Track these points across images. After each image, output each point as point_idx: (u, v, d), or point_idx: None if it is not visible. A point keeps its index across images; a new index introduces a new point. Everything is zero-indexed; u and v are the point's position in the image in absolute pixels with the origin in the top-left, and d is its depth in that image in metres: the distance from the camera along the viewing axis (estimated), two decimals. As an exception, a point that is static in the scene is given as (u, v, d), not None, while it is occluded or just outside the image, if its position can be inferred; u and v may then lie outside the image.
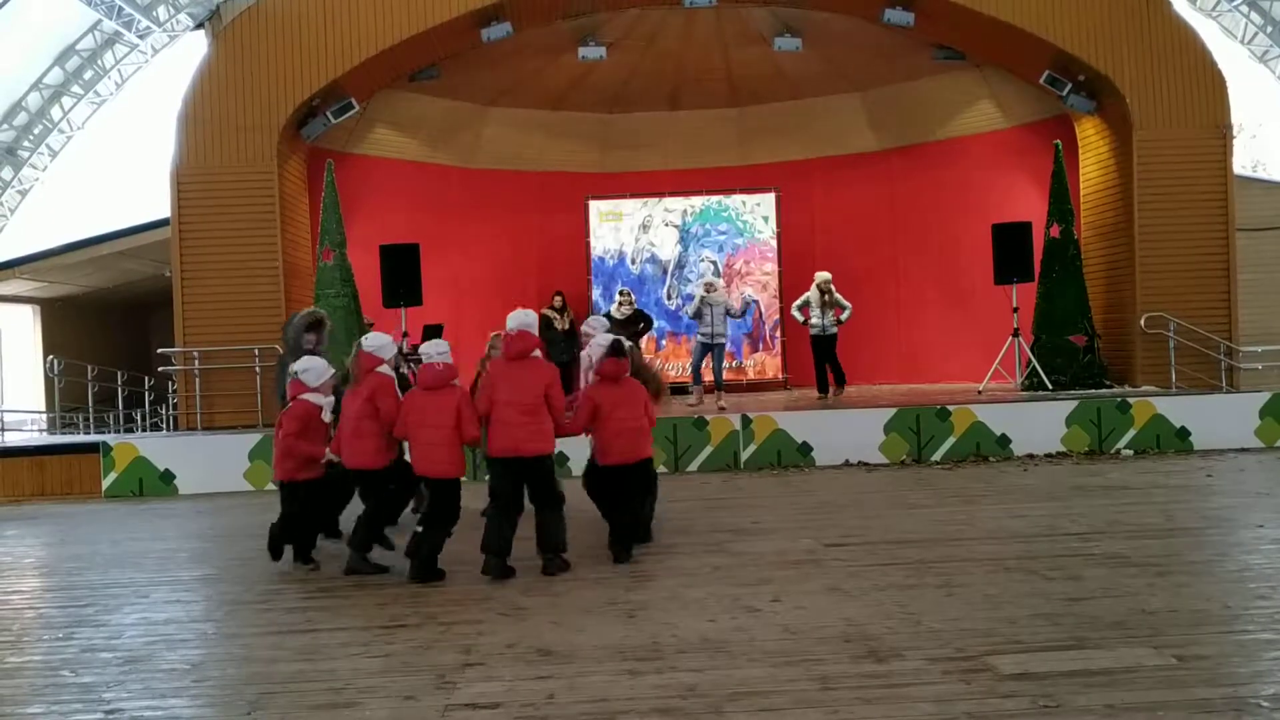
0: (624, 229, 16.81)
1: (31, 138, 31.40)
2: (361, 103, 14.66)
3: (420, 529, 6.35)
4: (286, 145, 14.11)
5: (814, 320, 13.54)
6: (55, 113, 31.01)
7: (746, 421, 11.49)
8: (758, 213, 16.79)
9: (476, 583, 6.21)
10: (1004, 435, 11.51)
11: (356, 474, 6.62)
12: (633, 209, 16.84)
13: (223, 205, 13.70)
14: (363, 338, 6.90)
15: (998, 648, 4.49)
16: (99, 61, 30.29)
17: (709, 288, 13.02)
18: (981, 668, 4.23)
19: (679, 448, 11.37)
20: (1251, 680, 4.03)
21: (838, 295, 13.59)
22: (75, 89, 30.60)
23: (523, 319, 6.58)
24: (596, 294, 16.44)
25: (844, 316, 13.62)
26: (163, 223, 15.34)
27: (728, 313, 12.90)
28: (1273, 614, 4.90)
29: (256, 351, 13.25)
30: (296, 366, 6.88)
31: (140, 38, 29.38)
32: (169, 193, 13.83)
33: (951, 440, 11.45)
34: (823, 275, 13.74)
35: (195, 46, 15.22)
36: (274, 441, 6.98)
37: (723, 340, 12.96)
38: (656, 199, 16.89)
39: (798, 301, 13.85)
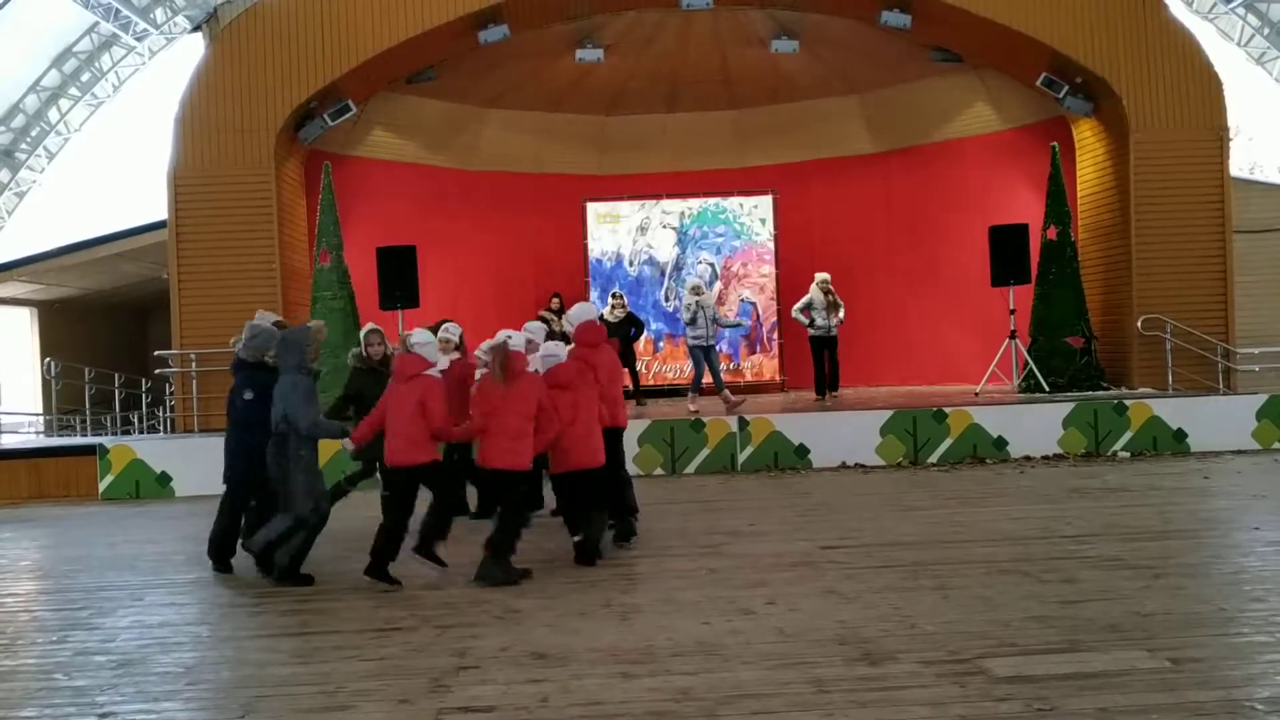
0: (621, 231, 16.81)
1: (29, 140, 31.39)
2: (359, 105, 14.65)
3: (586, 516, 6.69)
4: (284, 148, 14.10)
5: (819, 322, 13.52)
6: (53, 115, 31.01)
7: (744, 424, 11.48)
8: (755, 215, 16.79)
9: (470, 586, 6.20)
10: (1001, 437, 11.51)
11: (502, 474, 6.40)
12: (630, 211, 16.84)
13: (220, 207, 13.69)
14: (508, 336, 6.68)
15: (992, 650, 4.49)
16: (96, 64, 30.28)
17: (697, 290, 12.98)
18: (976, 670, 4.22)
19: (676, 450, 11.37)
20: (1246, 683, 4.02)
21: (837, 296, 13.61)
22: (73, 91, 30.59)
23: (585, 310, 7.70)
24: (594, 296, 16.42)
25: (841, 316, 13.64)
26: (160, 225, 15.33)
27: (714, 318, 12.88)
28: (1268, 616, 4.89)
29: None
30: (415, 339, 6.58)
31: (138, 40, 29.37)
32: (166, 195, 13.82)
33: (948, 442, 11.45)
34: (824, 275, 13.74)
35: (193, 49, 15.23)
36: (394, 421, 6.38)
37: (714, 341, 12.96)
38: (654, 201, 16.89)
39: (799, 304, 13.81)
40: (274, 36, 13.88)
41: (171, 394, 14.47)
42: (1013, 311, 13.67)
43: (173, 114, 13.87)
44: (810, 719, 3.77)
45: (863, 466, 11.30)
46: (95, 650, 5.14)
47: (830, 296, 13.52)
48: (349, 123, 14.91)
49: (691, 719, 3.83)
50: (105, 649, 5.16)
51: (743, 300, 16.70)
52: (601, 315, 13.80)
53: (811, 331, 13.63)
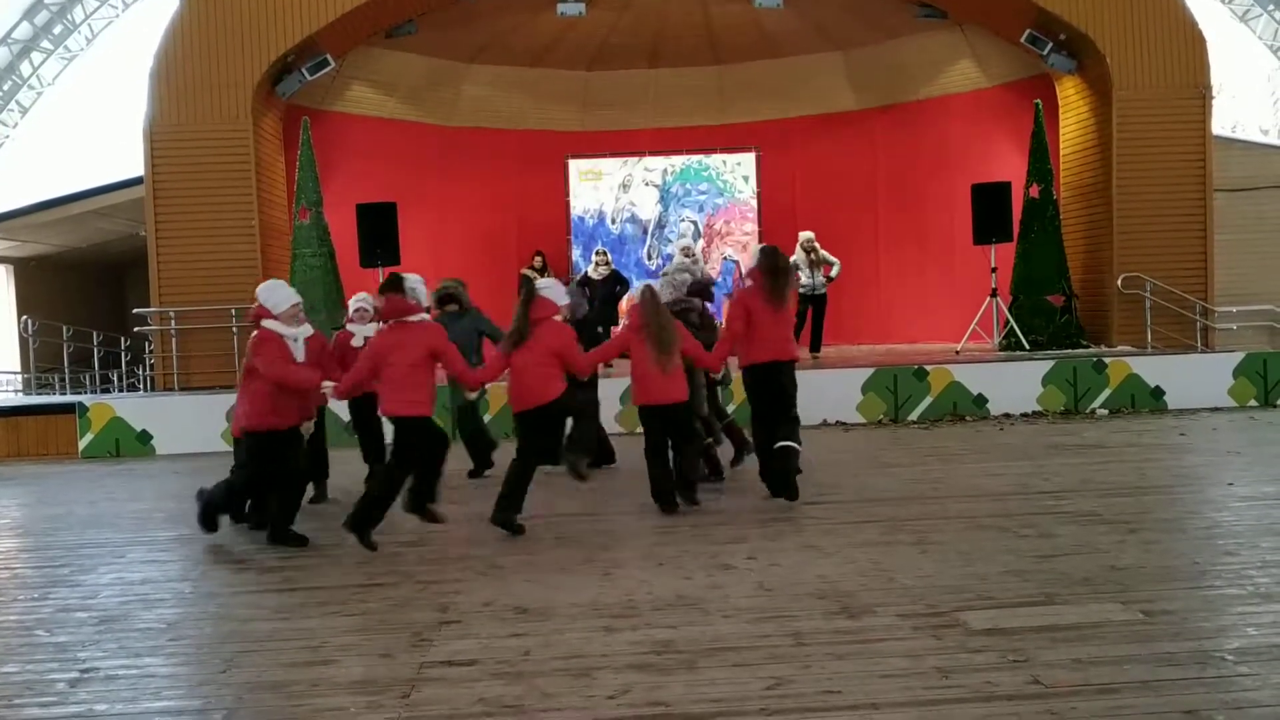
0: (604, 188, 16.73)
1: (0, 94, 30.89)
2: (338, 59, 14.45)
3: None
4: (262, 102, 13.90)
5: (804, 280, 13.53)
6: (25, 69, 30.52)
7: (725, 381, 11.46)
8: (738, 172, 16.73)
9: (453, 542, 6.23)
10: (981, 395, 11.58)
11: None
12: (613, 168, 16.75)
13: (197, 163, 13.51)
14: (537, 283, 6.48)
15: (969, 604, 4.54)
16: (69, 16, 29.78)
17: (687, 252, 12.92)
18: (952, 623, 4.28)
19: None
20: (1216, 635, 4.09)
21: (823, 252, 13.58)
22: (45, 44, 30.09)
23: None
24: (576, 254, 16.39)
25: (833, 273, 13.62)
26: (137, 181, 15.13)
27: None
28: (1239, 569, 4.97)
29: (233, 311, 13.14)
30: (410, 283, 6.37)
31: (111, -9, 28.86)
32: (142, 151, 13.64)
33: (929, 400, 11.52)
34: (805, 234, 13.72)
35: (167, 0, 14.93)
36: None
37: None
38: (636, 158, 16.80)
39: None
40: (250, -12, 13.63)
41: (151, 352, 14.38)
42: (994, 269, 13.71)
43: (148, 68, 13.65)
44: (788, 670, 3.82)
45: (843, 424, 11.36)
46: (77, 607, 5.15)
47: (813, 255, 13.50)
48: (328, 77, 14.71)
49: (672, 671, 3.87)
50: (87, 605, 5.16)
51: (725, 258, 16.67)
52: (586, 273, 13.83)
53: (799, 290, 13.63)
